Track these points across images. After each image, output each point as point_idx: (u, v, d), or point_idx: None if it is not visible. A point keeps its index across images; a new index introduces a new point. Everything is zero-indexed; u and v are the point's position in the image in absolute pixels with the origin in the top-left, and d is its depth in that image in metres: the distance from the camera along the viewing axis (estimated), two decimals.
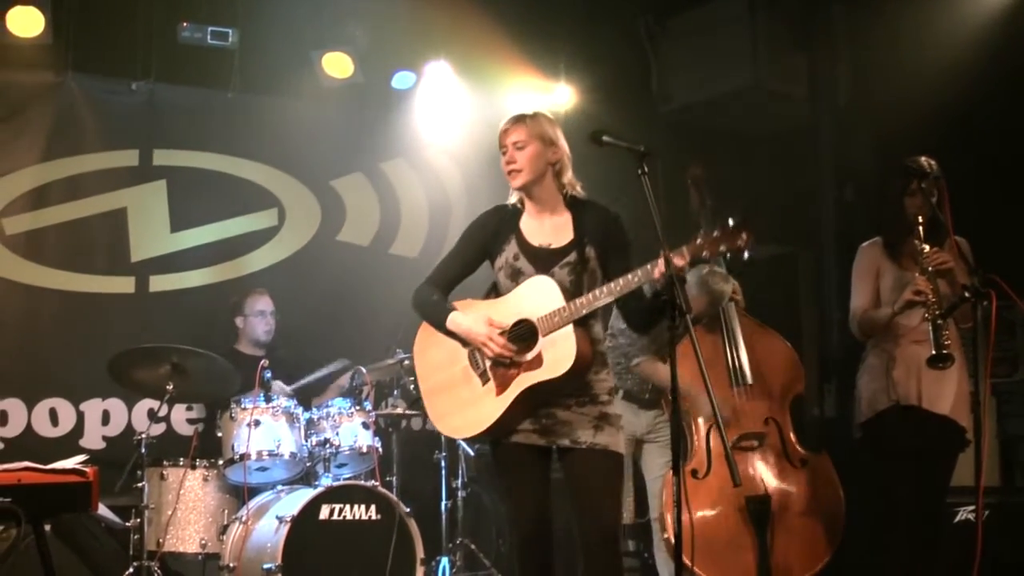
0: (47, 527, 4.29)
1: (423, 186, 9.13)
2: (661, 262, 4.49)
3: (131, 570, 6.61)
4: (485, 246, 4.94)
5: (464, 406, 4.80)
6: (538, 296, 4.70)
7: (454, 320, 4.80)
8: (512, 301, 4.77)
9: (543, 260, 4.80)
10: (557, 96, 9.08)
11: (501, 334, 4.69)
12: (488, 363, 4.75)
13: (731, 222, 4.44)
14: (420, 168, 9.11)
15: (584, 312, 4.62)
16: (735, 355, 6.53)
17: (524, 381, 4.66)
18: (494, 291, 4.94)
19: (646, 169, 4.55)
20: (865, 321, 6.20)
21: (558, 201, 4.89)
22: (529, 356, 4.66)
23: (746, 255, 4.47)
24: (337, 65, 8.46)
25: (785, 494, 6.34)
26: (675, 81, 8.91)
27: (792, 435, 6.49)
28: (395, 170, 9.07)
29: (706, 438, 6.37)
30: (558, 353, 4.62)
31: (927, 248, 5.87)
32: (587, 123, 8.31)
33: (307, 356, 7.86)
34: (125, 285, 8.24)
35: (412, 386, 7.23)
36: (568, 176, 4.88)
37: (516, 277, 4.80)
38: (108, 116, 8.31)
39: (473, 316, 4.78)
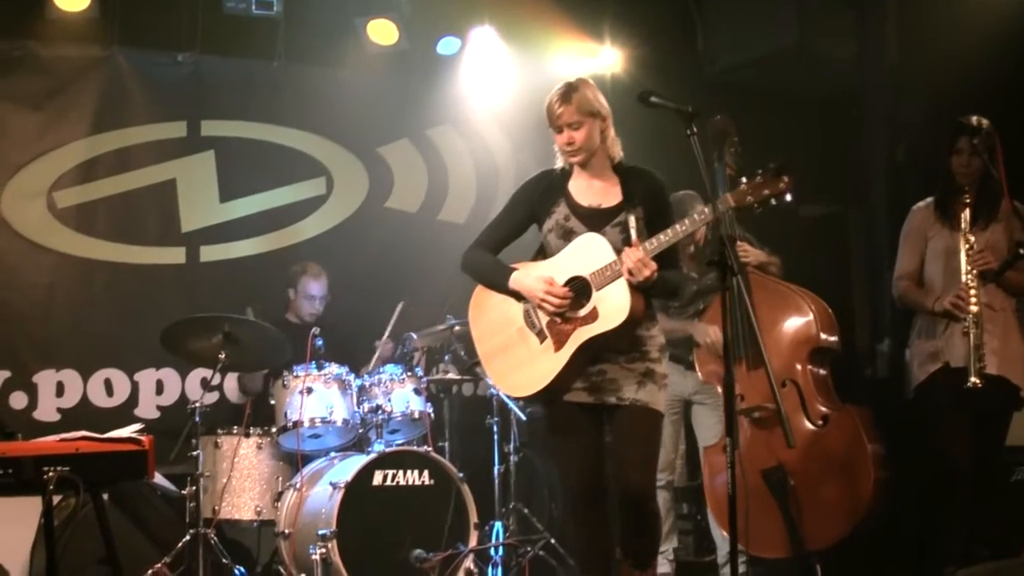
0: (105, 496, 4.32)
1: (470, 152, 9.11)
2: (706, 212, 4.67)
3: (188, 537, 6.68)
4: (533, 209, 5.05)
5: (523, 365, 4.92)
6: (589, 253, 4.81)
7: (516, 279, 4.92)
8: (563, 259, 4.88)
9: (594, 220, 4.90)
10: (602, 59, 9.02)
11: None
12: (544, 321, 4.87)
13: (771, 166, 4.53)
14: (467, 134, 9.08)
15: None
16: (736, 323, 6.35)
17: (581, 335, 4.78)
18: (541, 253, 5.03)
19: (695, 130, 4.61)
20: (906, 298, 6.22)
21: (606, 165, 5.00)
22: (584, 311, 4.77)
23: (788, 198, 4.52)
24: (382, 32, 8.44)
25: (805, 458, 6.12)
26: (721, 42, 8.85)
27: (813, 392, 6.24)
28: (442, 136, 9.05)
29: None
30: (613, 305, 4.73)
31: (972, 240, 5.86)
32: (633, 85, 8.27)
33: (358, 324, 7.92)
34: (176, 256, 8.29)
35: (463, 352, 7.26)
36: (611, 134, 4.98)
37: (568, 236, 4.90)
38: (155, 88, 8.33)
39: (533, 275, 4.87)
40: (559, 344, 4.82)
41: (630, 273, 4.65)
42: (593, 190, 4.97)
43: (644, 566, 4.97)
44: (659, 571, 6.89)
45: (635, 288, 4.71)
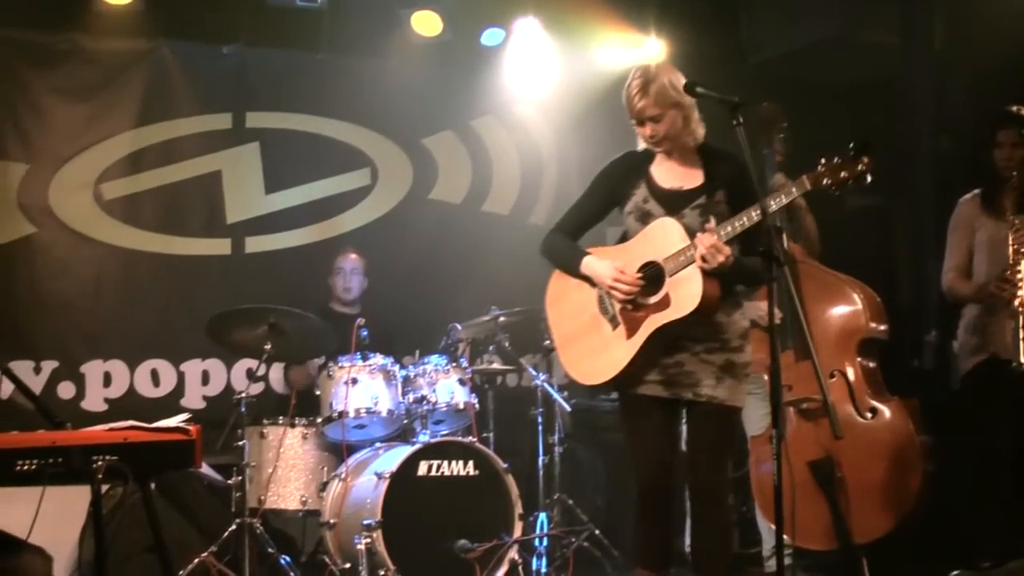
0: (151, 485, 4.35)
1: (514, 143, 9.11)
2: (782, 196, 4.54)
3: (234, 527, 6.71)
4: (614, 192, 4.95)
5: (595, 352, 4.85)
6: (663, 237, 4.70)
7: (588, 264, 4.84)
8: (638, 244, 4.79)
9: (673, 202, 4.79)
10: (647, 50, 8.97)
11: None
12: (617, 308, 4.78)
13: (850, 147, 4.42)
14: (511, 125, 9.08)
15: None
16: (784, 313, 6.30)
17: (653, 323, 4.69)
18: (624, 237, 4.93)
19: (741, 120, 4.52)
20: (953, 290, 6.23)
21: (690, 146, 4.86)
22: (656, 298, 4.68)
23: (868, 179, 4.42)
24: (426, 23, 8.45)
25: (853, 450, 6.06)
26: (764, 32, 8.80)
27: (862, 383, 6.21)
28: (486, 127, 9.06)
29: None
30: (685, 292, 4.62)
31: (1017, 222, 5.82)
32: None
33: (402, 314, 7.96)
34: (221, 247, 8.37)
35: (507, 343, 7.25)
36: (695, 116, 4.83)
37: (645, 219, 4.81)
38: (200, 80, 8.39)
39: (603, 261, 4.80)
40: (631, 331, 4.73)
41: (703, 259, 4.53)
42: (675, 172, 4.86)
43: (717, 573, 4.86)
44: None
45: (709, 274, 4.59)
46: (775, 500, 4.42)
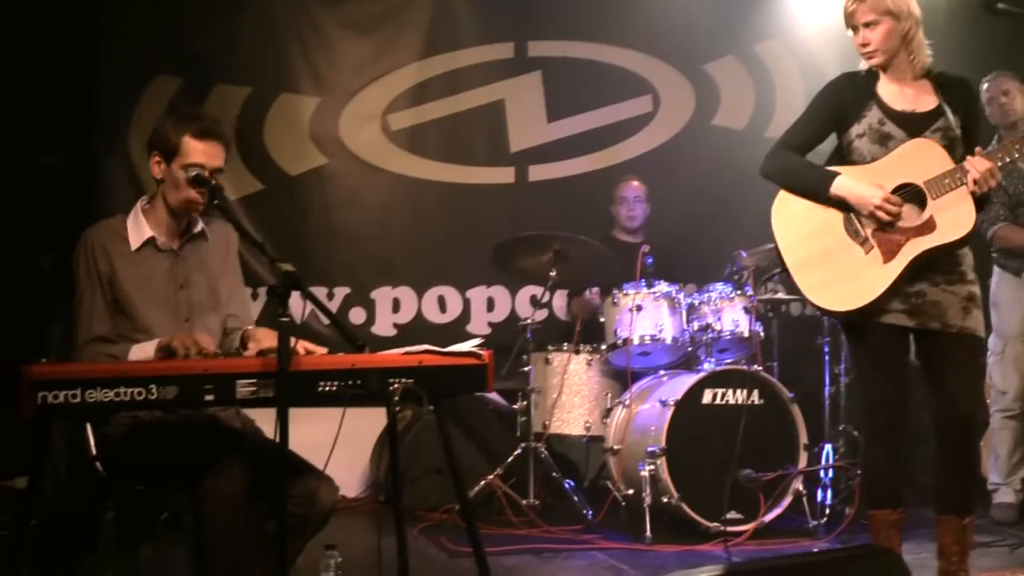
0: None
1: (798, 67, 8.83)
2: None
3: (519, 451, 6.85)
4: (844, 113, 4.71)
5: (845, 276, 4.61)
6: (921, 159, 4.53)
7: (843, 185, 4.60)
8: (890, 165, 4.58)
9: (911, 125, 4.60)
10: None
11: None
12: (870, 230, 4.58)
13: None
14: (794, 49, 8.81)
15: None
16: None
17: (916, 247, 4.51)
18: (838, 158, 4.74)
19: None
20: None
21: (914, 69, 4.66)
22: (918, 221, 4.51)
23: None
24: None
25: None
26: None
27: None
28: (769, 51, 8.83)
29: None
30: (954, 216, 4.46)
31: None
32: None
33: (685, 241, 7.93)
34: (505, 175, 8.46)
35: None
36: (919, 36, 4.62)
37: (885, 142, 4.60)
38: (483, 10, 8.48)
39: (862, 182, 4.58)
40: (889, 255, 4.53)
41: (975, 183, 4.39)
42: (904, 94, 4.65)
43: (965, 511, 4.64)
44: (1003, 500, 6.68)
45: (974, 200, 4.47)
46: None
